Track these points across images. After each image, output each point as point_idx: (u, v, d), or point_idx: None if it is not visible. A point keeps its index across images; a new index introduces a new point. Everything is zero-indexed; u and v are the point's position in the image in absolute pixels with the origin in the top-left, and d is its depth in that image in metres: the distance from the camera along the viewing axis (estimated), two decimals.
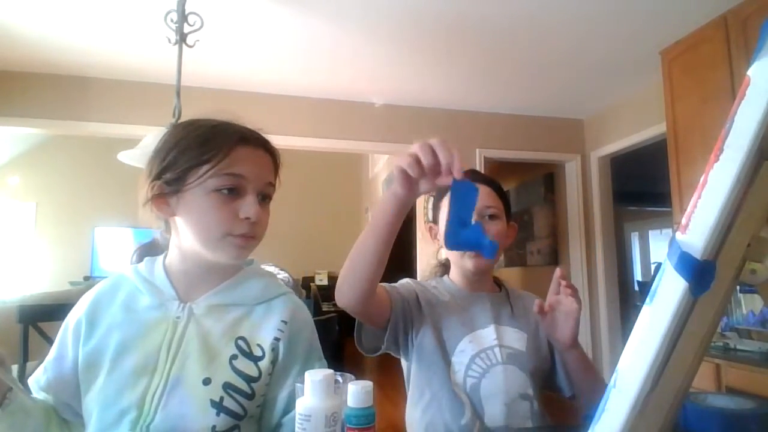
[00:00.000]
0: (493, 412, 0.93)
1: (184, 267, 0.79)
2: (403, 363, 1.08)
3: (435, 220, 1.13)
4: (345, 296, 0.82)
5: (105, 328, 0.76)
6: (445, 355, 0.98)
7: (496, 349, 0.99)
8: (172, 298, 0.77)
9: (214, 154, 0.72)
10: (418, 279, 1.15)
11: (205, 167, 0.72)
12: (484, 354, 0.98)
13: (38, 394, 0.77)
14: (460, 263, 1.07)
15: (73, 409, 0.76)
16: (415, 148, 0.68)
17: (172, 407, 0.69)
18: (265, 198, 0.78)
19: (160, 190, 0.74)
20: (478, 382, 0.95)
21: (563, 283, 0.92)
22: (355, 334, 0.96)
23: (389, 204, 0.75)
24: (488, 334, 1.01)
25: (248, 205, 0.73)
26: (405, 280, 1.08)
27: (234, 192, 0.73)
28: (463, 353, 0.98)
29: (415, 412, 1.00)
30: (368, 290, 0.82)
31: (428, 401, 0.97)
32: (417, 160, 0.68)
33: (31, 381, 0.78)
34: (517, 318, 1.07)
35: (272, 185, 0.79)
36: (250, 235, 0.75)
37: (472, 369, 0.96)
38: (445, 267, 1.17)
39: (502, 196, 1.09)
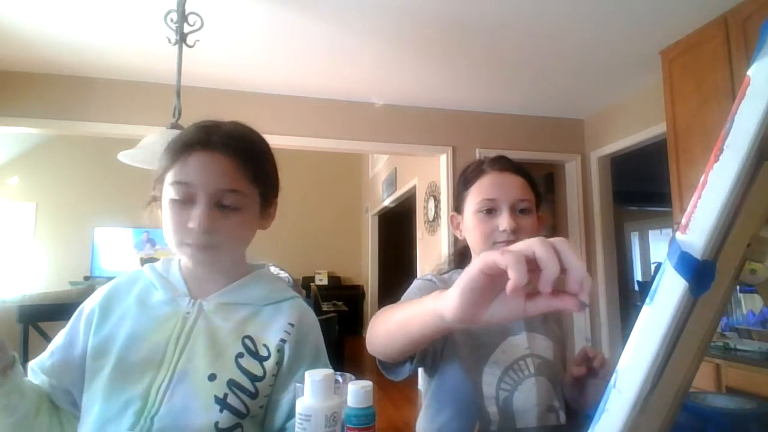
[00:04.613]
0: (526, 426, 0.89)
1: (190, 266, 0.81)
2: (423, 374, 1.00)
3: (459, 210, 1.04)
4: (376, 353, 0.72)
5: (117, 318, 0.77)
6: (476, 368, 0.91)
7: (528, 359, 0.93)
8: (184, 294, 0.79)
9: (171, 161, 0.74)
10: (429, 272, 1.06)
11: (167, 175, 0.74)
12: (517, 365, 0.93)
13: (39, 377, 0.77)
14: None
15: (71, 397, 0.77)
16: (527, 244, 0.41)
17: (177, 401, 0.70)
18: (224, 206, 0.73)
19: (153, 194, 0.78)
20: (510, 396, 0.90)
21: (596, 363, 0.86)
22: (378, 362, 0.81)
23: (432, 325, 0.53)
24: (521, 341, 0.95)
25: (195, 214, 0.71)
26: (427, 286, 0.96)
27: (187, 200, 0.72)
28: (495, 365, 0.92)
29: (430, 426, 0.95)
30: (405, 355, 0.71)
31: (448, 419, 0.91)
32: (527, 261, 0.41)
33: (34, 364, 0.78)
34: (548, 323, 1.02)
35: (234, 191, 0.73)
36: (202, 245, 0.73)
37: (504, 382, 0.91)
38: (462, 256, 1.08)
39: (534, 186, 1.01)
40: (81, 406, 0.74)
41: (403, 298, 0.93)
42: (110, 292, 0.80)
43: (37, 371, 0.77)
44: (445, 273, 1.06)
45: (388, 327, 0.65)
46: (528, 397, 0.91)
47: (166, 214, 0.74)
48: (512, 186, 0.97)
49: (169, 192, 0.73)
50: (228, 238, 0.74)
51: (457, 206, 1.05)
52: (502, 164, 1.00)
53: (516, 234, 0.93)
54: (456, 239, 1.09)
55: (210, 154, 0.73)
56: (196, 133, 0.75)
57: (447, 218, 3.78)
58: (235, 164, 0.74)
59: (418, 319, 0.56)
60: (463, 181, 1.03)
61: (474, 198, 0.98)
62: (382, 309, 0.70)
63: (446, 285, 0.94)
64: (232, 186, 0.73)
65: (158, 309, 0.78)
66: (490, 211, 0.96)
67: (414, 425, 1.02)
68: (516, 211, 0.95)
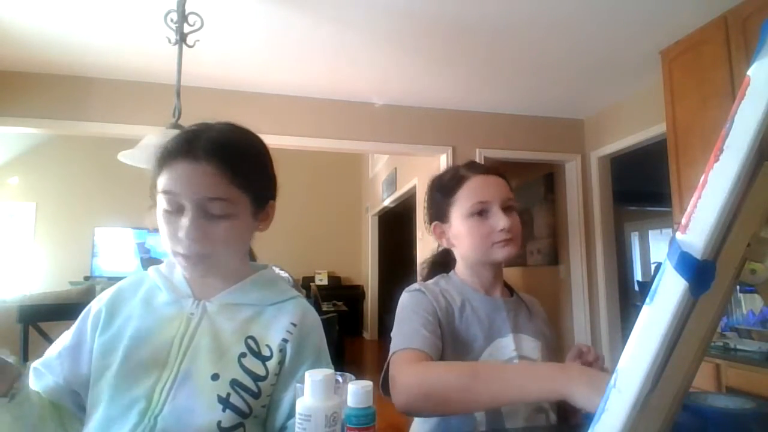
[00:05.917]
0: (515, 426, 0.90)
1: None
2: None
3: (443, 219, 1.04)
4: (418, 411, 0.84)
5: (122, 319, 0.77)
6: None
7: (515, 361, 0.94)
8: (188, 295, 0.80)
9: (158, 170, 0.74)
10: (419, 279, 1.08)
11: (157, 183, 0.74)
12: None
13: (44, 377, 0.77)
14: (486, 255, 0.97)
15: (76, 398, 0.77)
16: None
17: (181, 400, 0.70)
18: (213, 215, 0.72)
19: (152, 201, 0.77)
20: None
21: (590, 358, 0.87)
22: (381, 385, 0.86)
23: (540, 396, 0.76)
24: (507, 343, 0.96)
25: (183, 224, 0.71)
26: (420, 300, 0.96)
27: (176, 210, 0.72)
28: None
29: (422, 428, 0.96)
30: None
31: (438, 421, 0.93)
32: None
33: (39, 364, 0.78)
34: (534, 323, 1.03)
35: (220, 200, 0.72)
36: (192, 254, 0.72)
37: None
38: (438, 266, 1.10)
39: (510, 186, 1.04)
40: (87, 407, 0.74)
41: (401, 314, 0.94)
42: (116, 293, 0.81)
43: (43, 372, 0.77)
44: (431, 279, 1.06)
45: (452, 391, 0.77)
46: None
47: (160, 222, 0.74)
48: (498, 186, 0.99)
49: (161, 201, 0.73)
50: (219, 246, 0.74)
51: (440, 215, 1.04)
52: (481, 168, 1.03)
53: (511, 232, 0.96)
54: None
55: (194, 164, 0.71)
56: (180, 141, 0.74)
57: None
58: (220, 172, 0.72)
59: (524, 395, 0.74)
60: (443, 190, 1.03)
61: (464, 203, 0.99)
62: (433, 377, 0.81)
63: (434, 294, 0.97)
64: (217, 195, 0.72)
65: (163, 310, 0.78)
66: (481, 213, 0.97)
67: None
68: (504, 209, 0.97)
